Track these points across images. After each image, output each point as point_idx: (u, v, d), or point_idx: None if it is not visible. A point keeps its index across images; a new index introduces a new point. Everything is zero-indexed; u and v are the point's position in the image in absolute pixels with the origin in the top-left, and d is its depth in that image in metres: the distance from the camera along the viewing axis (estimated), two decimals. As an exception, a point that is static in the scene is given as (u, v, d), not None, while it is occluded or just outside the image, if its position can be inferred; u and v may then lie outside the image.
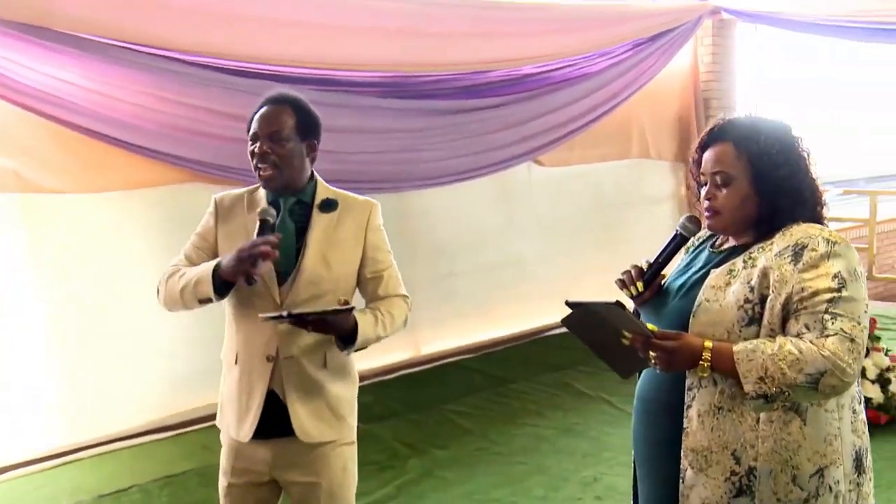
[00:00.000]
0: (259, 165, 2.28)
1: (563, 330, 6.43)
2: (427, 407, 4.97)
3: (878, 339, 4.59)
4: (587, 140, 6.48)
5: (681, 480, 1.86)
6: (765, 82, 9.24)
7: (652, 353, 1.79)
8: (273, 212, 2.25)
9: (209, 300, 2.25)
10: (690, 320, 1.85)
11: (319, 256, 2.30)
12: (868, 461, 1.90)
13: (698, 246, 2.08)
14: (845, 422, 1.83)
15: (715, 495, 1.82)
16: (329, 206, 2.34)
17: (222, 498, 2.41)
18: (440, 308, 5.71)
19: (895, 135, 11.26)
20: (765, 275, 1.78)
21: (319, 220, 2.32)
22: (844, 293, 1.73)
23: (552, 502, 3.72)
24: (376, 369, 5.39)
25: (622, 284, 2.03)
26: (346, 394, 2.37)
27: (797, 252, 1.77)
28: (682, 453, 1.85)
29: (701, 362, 1.76)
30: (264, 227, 2.21)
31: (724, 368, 1.76)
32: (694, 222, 2.01)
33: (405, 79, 5.67)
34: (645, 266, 2.00)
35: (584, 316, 1.88)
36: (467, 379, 5.44)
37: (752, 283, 1.79)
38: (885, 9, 6.91)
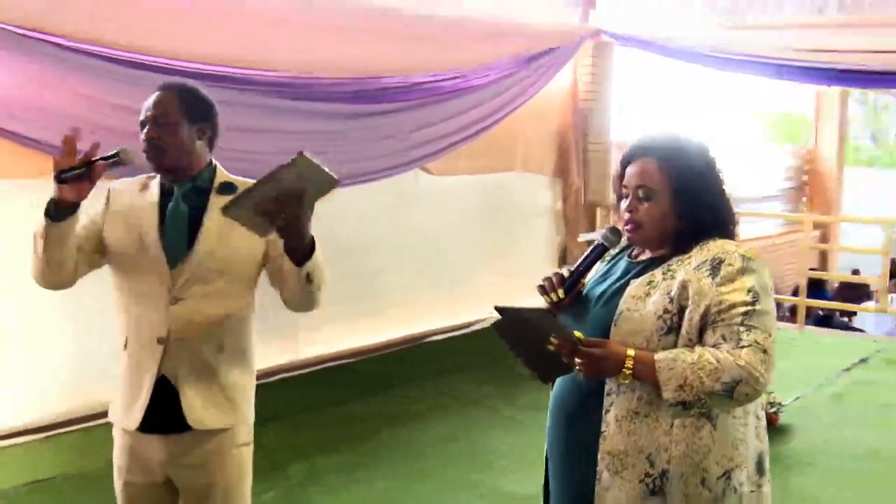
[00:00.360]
0: (146, 151, 2.28)
1: (446, 336, 6.57)
2: (311, 410, 4.97)
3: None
4: (474, 151, 6.62)
5: (597, 482, 1.95)
6: (640, 103, 9.67)
7: (577, 360, 1.87)
8: (130, 150, 2.16)
9: (46, 229, 2.15)
10: (612, 328, 1.94)
11: (216, 236, 2.28)
12: (767, 464, 2.04)
13: (615, 255, 2.18)
14: (750, 427, 1.96)
15: (629, 497, 1.91)
16: (228, 189, 2.31)
17: (119, 497, 2.35)
18: (326, 310, 5.68)
19: (756, 161, 11.95)
20: (684, 287, 1.89)
21: (217, 202, 2.27)
22: (758, 307, 1.86)
23: (439, 506, 3.80)
24: (257, 372, 5.32)
25: (543, 290, 2.09)
26: (241, 381, 2.35)
27: (714, 266, 1.89)
28: (598, 456, 1.94)
29: (624, 370, 1.86)
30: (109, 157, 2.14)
31: (645, 376, 1.85)
32: (615, 233, 2.09)
33: (300, 80, 5.65)
34: (566, 273, 2.08)
35: (514, 321, 1.95)
36: (352, 382, 5.45)
37: (672, 294, 1.89)
38: (753, 42, 7.39)
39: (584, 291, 2.12)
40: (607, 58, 8.16)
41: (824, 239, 11.85)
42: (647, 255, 2.07)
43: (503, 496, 3.88)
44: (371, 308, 6.01)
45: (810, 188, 12.42)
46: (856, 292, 10.33)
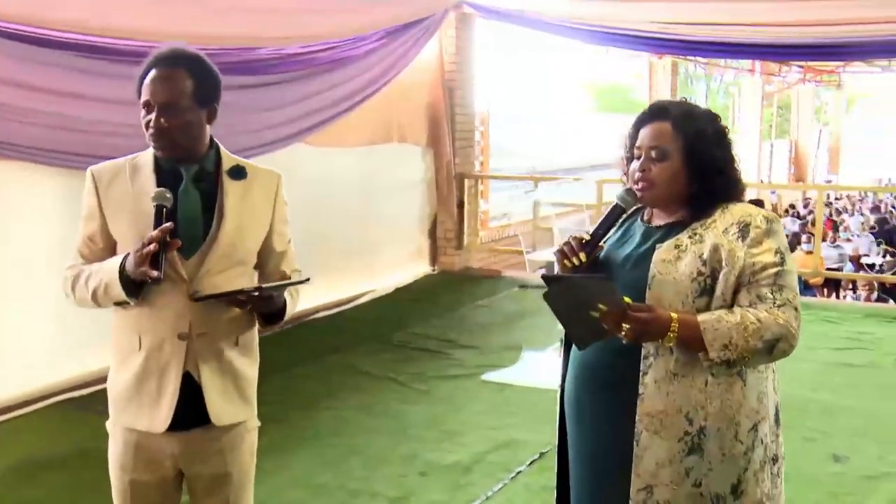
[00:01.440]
0: (155, 142, 2.08)
1: (333, 311, 6.48)
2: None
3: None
4: (353, 123, 6.54)
5: (635, 443, 1.98)
6: (504, 73, 9.86)
7: (625, 325, 1.89)
8: (168, 195, 2.05)
9: (128, 302, 2.06)
10: (647, 292, 1.98)
11: (235, 226, 2.14)
12: (781, 415, 2.16)
13: (626, 220, 2.21)
14: (769, 381, 2.06)
15: (669, 455, 1.96)
16: (239, 173, 2.18)
17: (123, 495, 2.19)
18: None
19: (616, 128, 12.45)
20: (716, 250, 1.94)
21: (232, 188, 2.15)
22: (785, 266, 1.96)
23: (378, 482, 3.75)
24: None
25: (563, 255, 2.09)
26: (251, 374, 2.25)
27: (742, 229, 1.95)
28: (636, 418, 1.98)
29: (669, 333, 1.90)
30: (161, 216, 2.02)
31: (690, 338, 1.90)
32: (631, 195, 2.11)
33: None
34: (587, 237, 2.09)
35: (567, 288, 1.95)
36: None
37: (704, 257, 1.95)
38: (609, 14, 7.68)
39: (602, 255, 2.14)
40: (470, 29, 8.26)
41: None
42: (663, 219, 2.11)
43: (443, 468, 3.88)
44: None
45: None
46: None
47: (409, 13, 7.23)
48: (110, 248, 2.15)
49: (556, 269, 2.25)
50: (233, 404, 2.18)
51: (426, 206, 7.96)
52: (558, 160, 11.04)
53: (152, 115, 2.05)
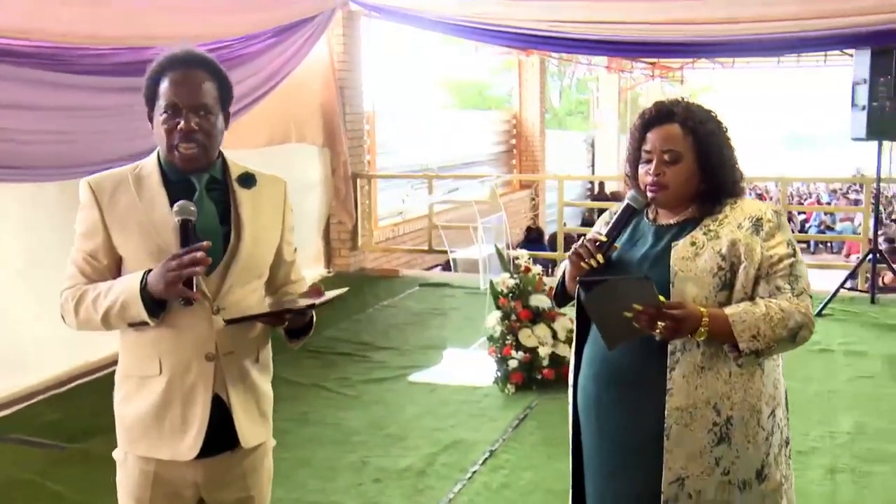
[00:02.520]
0: (183, 144, 1.94)
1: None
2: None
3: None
4: (253, 124, 6.35)
5: (665, 437, 2.01)
6: (389, 72, 9.81)
7: (660, 323, 1.92)
8: (193, 208, 1.92)
9: (144, 323, 1.91)
10: (671, 289, 2.01)
11: (253, 237, 2.03)
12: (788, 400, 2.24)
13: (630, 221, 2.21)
14: (780, 368, 2.15)
15: (700, 447, 2.01)
16: (249, 180, 2.06)
17: None
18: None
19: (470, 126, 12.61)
20: (733, 245, 2.01)
21: (245, 198, 2.04)
22: (797, 256, 2.05)
23: (335, 493, 3.65)
24: (60, 376, 4.78)
25: (579, 257, 2.09)
26: (269, 390, 2.15)
27: (755, 224, 2.03)
28: (665, 412, 2.01)
29: (700, 328, 1.94)
30: (187, 231, 1.90)
31: (720, 331, 1.95)
32: (642, 195, 2.14)
33: (66, 51, 5.03)
34: (603, 239, 2.10)
35: (606, 291, 1.95)
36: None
37: (723, 252, 2.00)
38: (492, 13, 7.78)
39: (614, 255, 2.15)
40: (356, 28, 8.17)
41: (536, 196, 12.86)
42: (671, 217, 2.15)
43: (397, 474, 3.81)
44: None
45: (518, 150, 13.39)
46: (532, 244, 11.31)
47: (297, 11, 7.09)
48: (115, 265, 2.00)
49: (566, 271, 2.26)
50: (257, 424, 2.09)
51: (322, 206, 7.83)
52: (436, 157, 11.05)
53: (179, 119, 1.93)
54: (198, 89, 1.95)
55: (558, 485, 3.71)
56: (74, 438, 4.24)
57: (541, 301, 5.08)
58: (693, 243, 2.05)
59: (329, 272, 8.03)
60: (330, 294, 2.01)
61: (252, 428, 2.05)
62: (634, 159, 2.17)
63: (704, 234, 2.06)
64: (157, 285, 1.86)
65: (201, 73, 1.97)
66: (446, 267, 8.80)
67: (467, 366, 5.22)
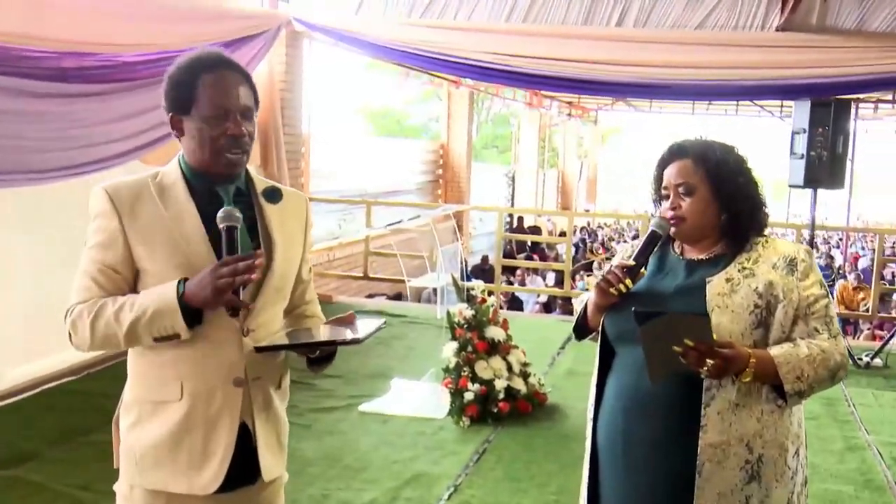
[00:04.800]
0: (233, 150, 1.82)
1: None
2: (59, 443, 4.24)
3: (509, 337, 5.16)
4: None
5: (697, 474, 1.98)
6: (319, 96, 9.68)
7: (709, 361, 1.89)
8: (238, 215, 1.80)
9: (175, 336, 1.75)
10: None
11: (284, 256, 1.92)
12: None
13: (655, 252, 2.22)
14: (802, 409, 2.15)
15: (730, 485, 1.99)
16: (275, 196, 1.95)
17: None
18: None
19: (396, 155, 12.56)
20: (771, 285, 2.02)
21: (272, 213, 1.93)
22: (829, 297, 2.09)
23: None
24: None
25: (608, 283, 2.08)
26: (286, 420, 2.03)
27: (790, 264, 2.06)
28: (699, 448, 1.98)
29: (747, 369, 1.94)
30: (233, 238, 1.78)
31: (765, 372, 1.95)
32: (666, 222, 2.14)
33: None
34: (631, 264, 2.09)
35: (666, 323, 1.90)
36: (84, 406, 4.73)
37: (759, 290, 2.01)
38: (439, 41, 7.77)
39: (640, 284, 2.13)
40: (300, 48, 8.03)
41: (460, 225, 12.86)
42: (699, 253, 2.15)
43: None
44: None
45: (444, 181, 13.40)
46: (485, 274, 11.39)
47: (243, 26, 6.94)
48: (133, 278, 1.84)
49: (589, 301, 2.22)
50: (277, 456, 1.97)
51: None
52: (364, 184, 10.96)
53: (227, 123, 1.81)
54: (241, 93, 1.85)
55: (528, 522, 3.65)
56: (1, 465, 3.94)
57: (496, 333, 5.03)
58: (728, 280, 2.05)
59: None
60: (371, 325, 1.89)
61: (273, 459, 1.93)
62: (658, 199, 2.20)
63: (739, 271, 2.06)
64: (202, 293, 1.73)
65: (238, 76, 1.87)
66: (394, 297, 8.67)
67: (418, 397, 5.10)
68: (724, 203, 2.09)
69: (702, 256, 2.14)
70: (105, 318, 1.78)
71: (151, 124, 5.80)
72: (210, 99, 1.82)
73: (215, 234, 1.80)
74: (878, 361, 6.50)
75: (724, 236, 2.12)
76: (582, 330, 2.30)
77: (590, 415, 2.24)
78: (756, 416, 2.00)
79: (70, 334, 1.83)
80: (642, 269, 2.12)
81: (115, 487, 1.92)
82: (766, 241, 2.12)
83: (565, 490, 3.91)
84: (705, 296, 2.03)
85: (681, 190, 2.09)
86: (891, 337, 6.93)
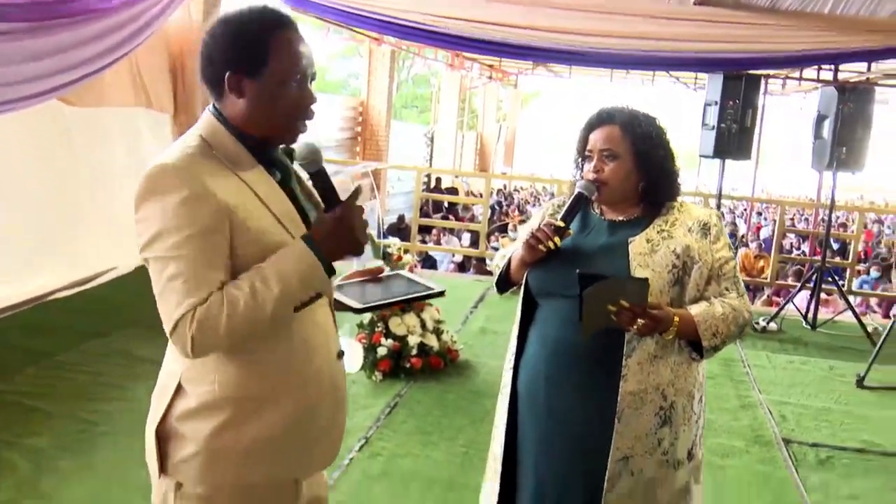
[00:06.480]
0: (307, 117, 1.73)
1: (73, 291, 5.81)
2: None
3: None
4: (114, 83, 5.98)
5: (616, 419, 2.12)
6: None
7: (640, 321, 2.02)
8: (321, 153, 1.74)
9: (315, 300, 1.73)
10: None
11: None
12: None
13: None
14: (705, 361, 2.29)
15: (646, 429, 2.14)
16: (290, 155, 1.84)
17: None
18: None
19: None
20: (687, 247, 2.16)
21: (302, 175, 1.85)
22: (735, 259, 2.24)
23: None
24: None
25: (537, 241, 2.18)
26: None
27: (703, 228, 2.20)
28: (619, 396, 2.11)
29: (671, 328, 2.07)
30: (326, 180, 1.74)
31: (686, 331, 2.10)
32: (592, 184, 2.23)
33: None
34: (561, 224, 2.19)
35: (609, 286, 2.01)
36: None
37: (677, 252, 2.15)
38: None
39: (566, 242, 2.23)
40: (217, -4, 7.83)
41: (378, 183, 12.82)
42: (618, 215, 2.27)
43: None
44: (7, 265, 5.12)
45: (363, 139, 13.31)
46: (401, 233, 11.43)
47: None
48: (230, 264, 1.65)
49: (514, 257, 2.32)
50: None
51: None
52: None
53: (308, 89, 1.72)
54: (311, 55, 1.73)
55: (437, 473, 3.76)
56: None
57: (411, 290, 5.08)
58: (649, 240, 2.18)
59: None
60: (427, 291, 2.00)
61: None
62: (580, 161, 2.31)
63: (658, 233, 2.20)
64: (339, 243, 1.67)
65: (302, 36, 1.74)
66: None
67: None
68: (644, 171, 2.22)
69: (622, 218, 2.27)
70: (243, 306, 1.57)
71: (70, 63, 5.63)
72: (289, 59, 1.67)
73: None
74: (773, 326, 6.84)
75: (641, 201, 2.26)
76: (505, 283, 2.41)
77: (509, 364, 2.36)
78: (671, 366, 2.16)
79: (191, 341, 1.56)
80: (569, 229, 2.23)
81: (173, 496, 1.74)
82: (681, 206, 2.27)
83: (474, 443, 4.03)
84: (628, 254, 2.16)
85: (605, 154, 2.22)
86: (786, 303, 7.29)
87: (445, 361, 5.09)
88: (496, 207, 16.53)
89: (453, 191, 17.61)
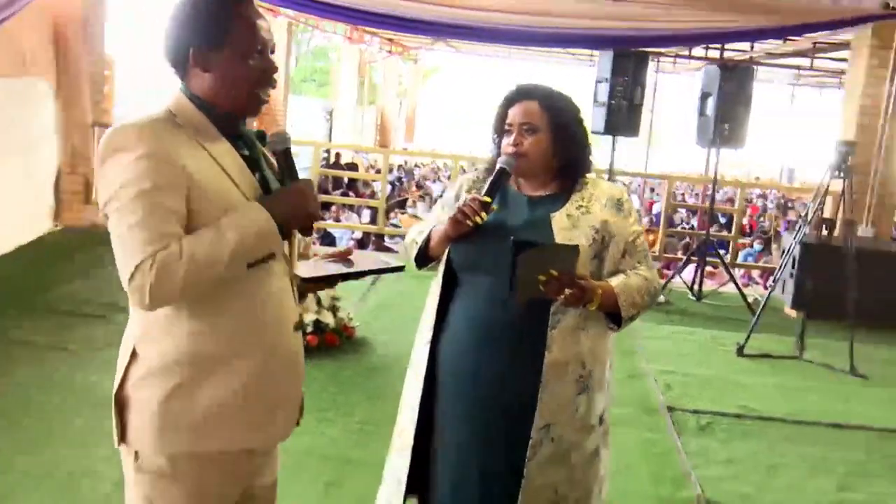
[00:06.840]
0: (269, 86, 1.74)
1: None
2: None
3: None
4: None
5: (541, 389, 2.18)
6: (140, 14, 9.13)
7: (567, 291, 2.08)
8: (289, 135, 1.76)
9: (266, 260, 1.70)
10: None
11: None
12: None
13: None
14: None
15: (567, 396, 2.21)
16: (263, 139, 1.84)
17: None
18: None
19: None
20: (605, 222, 2.24)
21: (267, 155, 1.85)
22: (644, 233, 2.33)
23: (99, 461, 3.40)
24: None
25: (464, 216, 2.21)
26: None
27: (616, 204, 2.29)
28: (543, 367, 2.17)
29: (595, 299, 2.15)
30: (290, 161, 1.78)
31: (607, 302, 2.18)
32: (513, 159, 2.27)
33: None
34: (488, 199, 2.23)
35: (540, 254, 2.05)
36: None
37: (596, 227, 2.23)
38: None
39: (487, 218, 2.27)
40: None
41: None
42: (536, 190, 2.33)
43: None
44: None
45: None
46: None
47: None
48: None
49: (434, 232, 2.35)
50: None
51: (55, 154, 7.15)
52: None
53: (269, 58, 1.74)
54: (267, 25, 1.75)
55: (331, 450, 3.78)
56: None
57: (306, 267, 5.05)
58: (569, 216, 2.26)
59: (57, 226, 7.38)
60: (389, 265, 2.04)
61: None
62: (499, 134, 2.36)
63: (577, 208, 2.28)
64: (294, 212, 1.71)
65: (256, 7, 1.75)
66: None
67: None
68: (561, 146, 2.28)
69: (540, 193, 2.33)
70: (202, 255, 1.58)
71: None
72: (250, 31, 1.69)
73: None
74: (661, 298, 7.08)
75: (557, 177, 2.32)
76: (423, 259, 2.42)
77: (424, 338, 2.37)
78: (591, 337, 2.24)
79: (150, 289, 1.56)
80: (493, 204, 2.26)
81: (133, 466, 1.74)
82: (594, 182, 2.34)
83: (370, 420, 4.05)
84: (551, 229, 2.23)
85: (525, 128, 2.27)
86: (673, 275, 7.56)
87: (341, 338, 5.08)
88: (396, 183, 16.51)
89: (353, 166, 17.47)
